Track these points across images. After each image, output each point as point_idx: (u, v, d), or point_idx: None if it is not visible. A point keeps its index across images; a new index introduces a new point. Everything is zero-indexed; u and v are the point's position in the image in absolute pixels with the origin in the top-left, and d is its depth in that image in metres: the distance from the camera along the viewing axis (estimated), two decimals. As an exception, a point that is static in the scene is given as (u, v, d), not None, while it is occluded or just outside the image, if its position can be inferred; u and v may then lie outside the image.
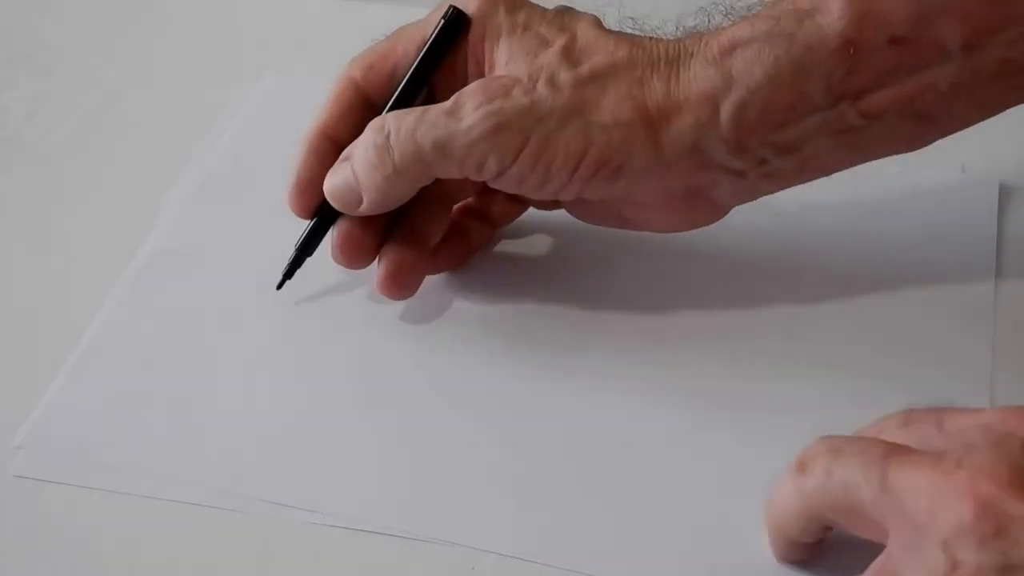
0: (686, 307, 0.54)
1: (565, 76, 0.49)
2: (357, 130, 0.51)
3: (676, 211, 0.51)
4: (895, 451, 0.40)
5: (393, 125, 0.49)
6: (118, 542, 0.47)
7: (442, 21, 0.51)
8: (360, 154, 0.50)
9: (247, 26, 0.70)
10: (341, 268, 0.53)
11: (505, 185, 0.50)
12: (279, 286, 0.54)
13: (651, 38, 0.50)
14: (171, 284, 0.56)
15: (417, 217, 0.53)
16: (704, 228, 0.53)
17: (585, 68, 0.49)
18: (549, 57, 0.49)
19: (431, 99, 0.51)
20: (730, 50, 0.48)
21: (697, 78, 0.48)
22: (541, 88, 0.49)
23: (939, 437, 0.41)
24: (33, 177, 0.62)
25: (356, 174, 0.50)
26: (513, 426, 0.50)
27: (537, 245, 0.57)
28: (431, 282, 0.55)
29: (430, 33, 0.51)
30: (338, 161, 0.51)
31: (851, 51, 0.47)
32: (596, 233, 0.55)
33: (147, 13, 0.72)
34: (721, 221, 0.53)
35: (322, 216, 0.53)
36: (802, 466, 0.42)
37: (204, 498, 0.48)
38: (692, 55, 0.49)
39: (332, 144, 0.52)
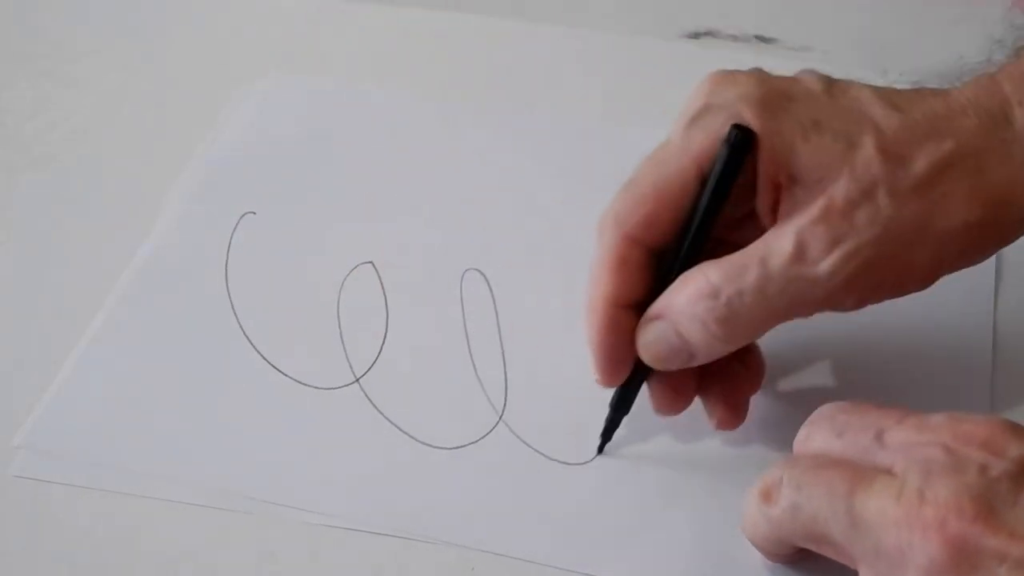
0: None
1: (903, 183, 0.44)
2: (647, 285, 0.47)
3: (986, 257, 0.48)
4: (858, 481, 0.40)
5: (731, 290, 0.44)
6: (118, 542, 0.47)
7: (727, 147, 0.44)
8: (691, 324, 0.45)
9: (247, 26, 0.70)
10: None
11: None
12: (599, 449, 0.50)
13: (945, 98, 0.46)
14: (171, 284, 0.56)
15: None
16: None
17: (920, 170, 0.44)
18: (872, 164, 0.44)
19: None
20: None
21: None
22: (885, 206, 0.44)
23: (882, 452, 0.41)
24: (33, 177, 0.62)
25: (686, 339, 0.45)
26: (511, 426, 0.50)
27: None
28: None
29: (710, 162, 0.45)
30: (648, 322, 0.46)
31: None
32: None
33: (147, 13, 0.72)
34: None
35: (635, 375, 0.48)
36: (767, 495, 0.42)
37: (204, 498, 0.48)
38: (1010, 121, 0.45)
39: (626, 310, 0.47)
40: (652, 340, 0.46)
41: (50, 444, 0.50)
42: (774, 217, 0.45)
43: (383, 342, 0.53)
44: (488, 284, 0.56)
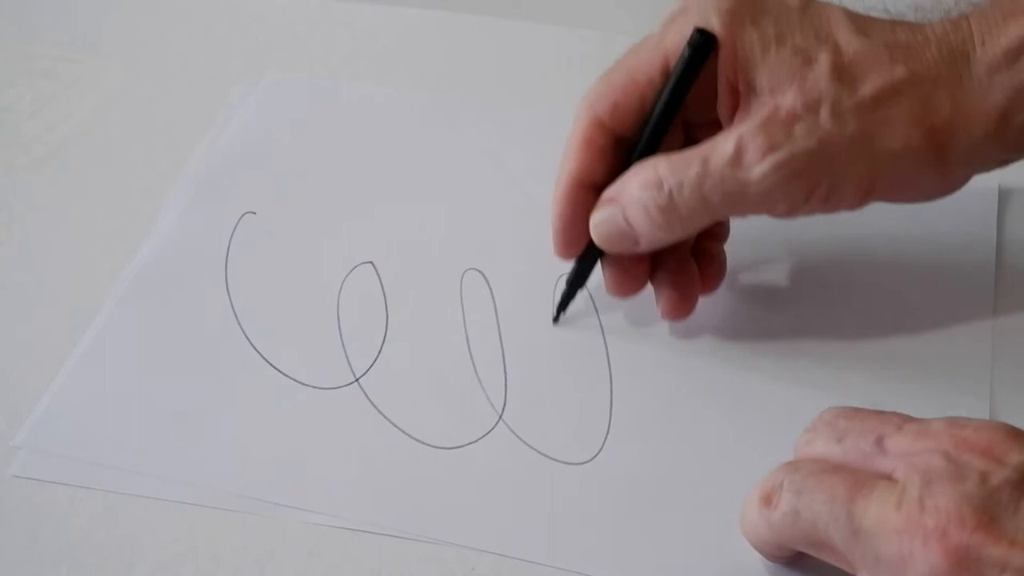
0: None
1: (847, 103, 0.46)
2: (610, 170, 0.49)
3: (934, 195, 0.49)
4: (858, 487, 0.40)
5: (673, 181, 0.47)
6: (118, 542, 0.47)
7: (688, 48, 0.47)
8: (636, 210, 0.48)
9: (247, 26, 0.70)
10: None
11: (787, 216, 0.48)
12: (555, 320, 0.53)
13: (914, 30, 0.47)
14: (170, 284, 0.56)
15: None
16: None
17: (866, 92, 0.46)
18: (821, 81, 0.46)
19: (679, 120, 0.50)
20: (1017, 54, 0.46)
21: (984, 89, 0.46)
22: (825, 122, 0.46)
23: (882, 458, 0.41)
24: (33, 177, 0.62)
25: (632, 224, 0.48)
26: (511, 426, 0.50)
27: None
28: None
29: (676, 60, 0.47)
30: (602, 204, 0.49)
31: None
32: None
33: (147, 13, 0.72)
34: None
35: (589, 253, 0.51)
36: (767, 499, 0.42)
37: (204, 498, 0.48)
38: (969, 58, 0.46)
39: (588, 190, 0.50)
40: (601, 221, 0.49)
41: (50, 444, 0.50)
42: (732, 122, 0.47)
43: (383, 342, 0.54)
44: (488, 284, 0.56)
